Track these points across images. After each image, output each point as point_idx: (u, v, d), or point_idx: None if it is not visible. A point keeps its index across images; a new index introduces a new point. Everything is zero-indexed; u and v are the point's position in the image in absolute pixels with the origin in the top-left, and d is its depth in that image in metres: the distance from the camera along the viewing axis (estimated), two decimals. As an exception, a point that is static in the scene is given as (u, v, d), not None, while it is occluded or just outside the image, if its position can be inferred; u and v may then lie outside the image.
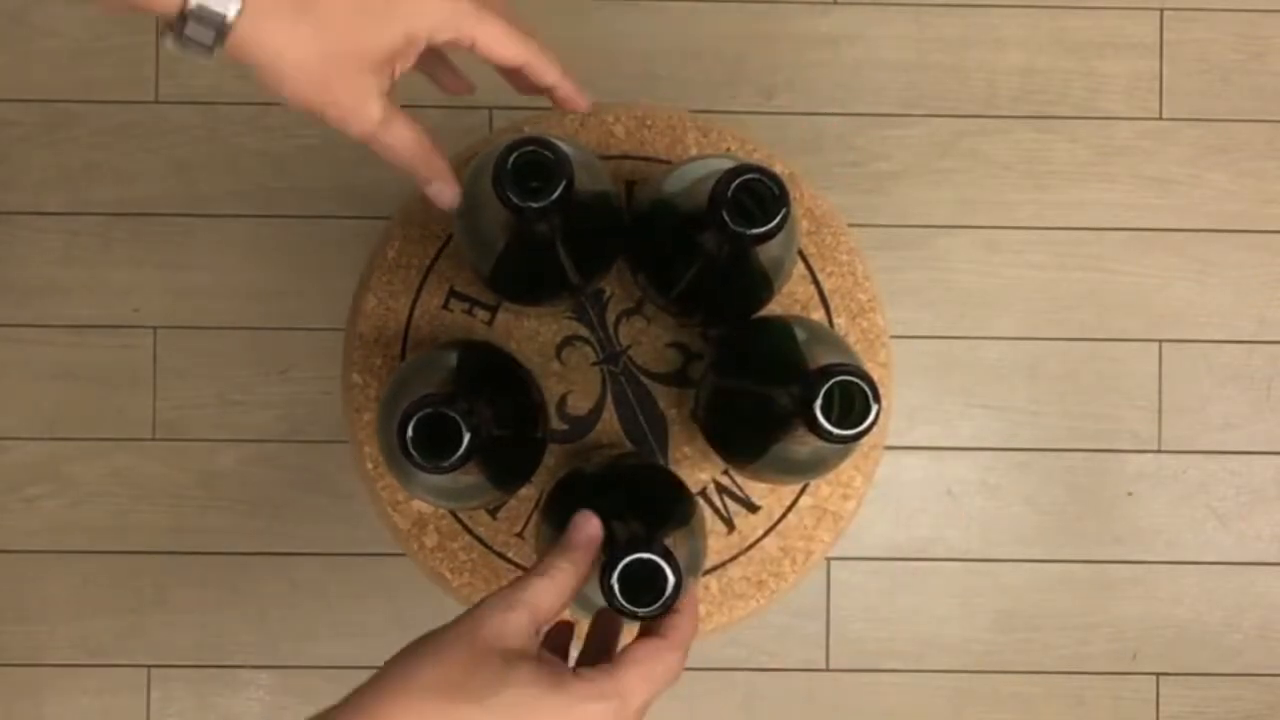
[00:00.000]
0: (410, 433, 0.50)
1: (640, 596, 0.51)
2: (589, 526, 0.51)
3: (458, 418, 0.50)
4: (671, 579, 0.51)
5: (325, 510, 1.23)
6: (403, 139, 0.52)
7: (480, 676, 0.44)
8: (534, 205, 0.50)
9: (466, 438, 0.50)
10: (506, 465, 0.65)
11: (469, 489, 0.64)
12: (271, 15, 0.46)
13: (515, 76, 0.53)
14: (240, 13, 0.45)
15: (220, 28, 0.46)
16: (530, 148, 0.50)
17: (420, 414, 0.50)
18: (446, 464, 0.50)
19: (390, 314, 0.77)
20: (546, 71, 0.52)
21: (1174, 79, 1.27)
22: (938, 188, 1.26)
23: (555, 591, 0.48)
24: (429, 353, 0.73)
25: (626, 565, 0.51)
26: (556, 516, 0.66)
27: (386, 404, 0.64)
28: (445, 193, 0.55)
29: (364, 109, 0.49)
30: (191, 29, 0.46)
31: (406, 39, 0.48)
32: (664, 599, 0.51)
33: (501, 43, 0.51)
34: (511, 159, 0.50)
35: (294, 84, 0.47)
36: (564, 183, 0.50)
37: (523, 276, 0.66)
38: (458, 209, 0.57)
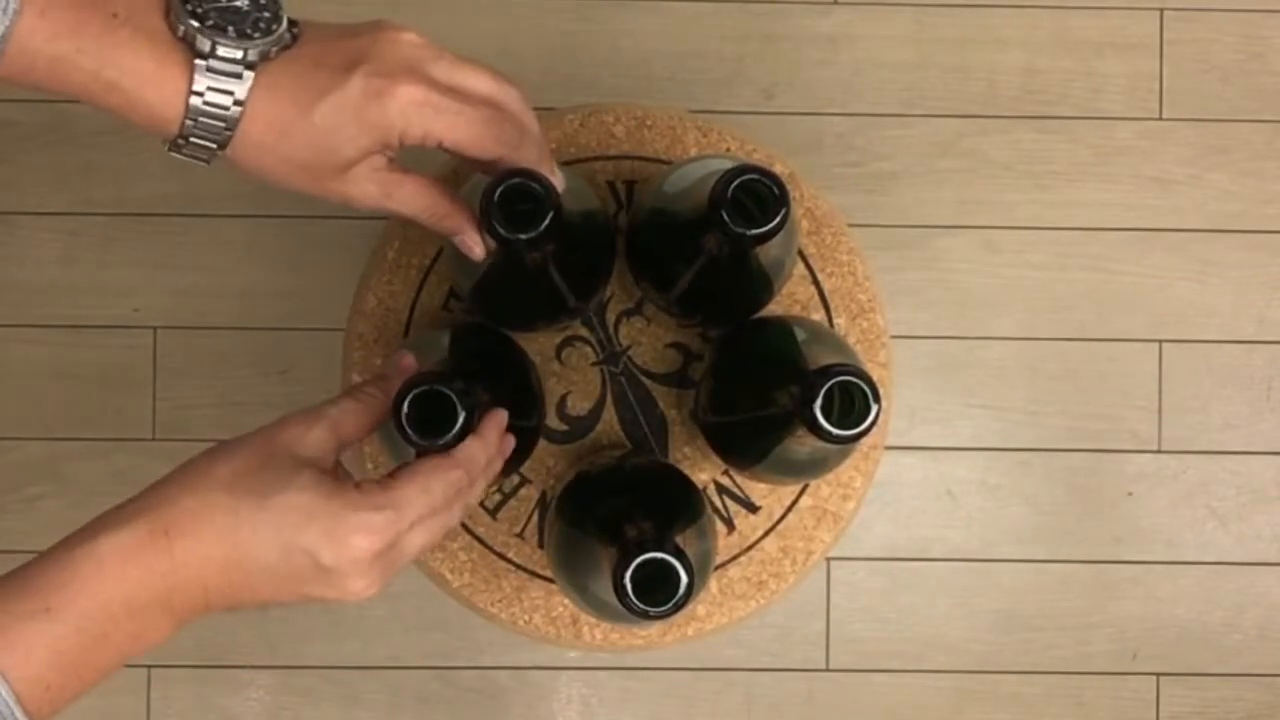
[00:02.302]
0: (406, 409, 0.50)
1: (653, 596, 0.51)
2: (405, 359, 0.54)
3: (454, 395, 0.50)
4: (684, 578, 0.51)
5: (325, 510, 1.22)
6: (409, 204, 0.54)
7: (267, 476, 0.47)
8: (523, 237, 0.50)
9: (462, 416, 0.50)
10: None
11: None
12: (256, 147, 0.50)
13: (488, 165, 0.54)
14: (228, 147, 0.50)
15: (211, 156, 0.51)
16: (517, 180, 0.50)
17: (417, 390, 0.50)
18: (442, 441, 0.50)
19: (390, 314, 0.77)
20: (522, 160, 0.53)
21: (1174, 79, 1.27)
22: (938, 188, 1.26)
23: (361, 413, 0.51)
24: (427, 332, 0.73)
25: (639, 565, 0.51)
26: (569, 516, 0.67)
27: None
28: (472, 246, 0.56)
29: (358, 193, 0.53)
30: (187, 152, 0.51)
31: (381, 143, 0.51)
32: (677, 598, 0.51)
33: (468, 146, 0.52)
34: (498, 191, 0.50)
35: (288, 185, 0.52)
36: (552, 213, 0.50)
37: (517, 304, 0.66)
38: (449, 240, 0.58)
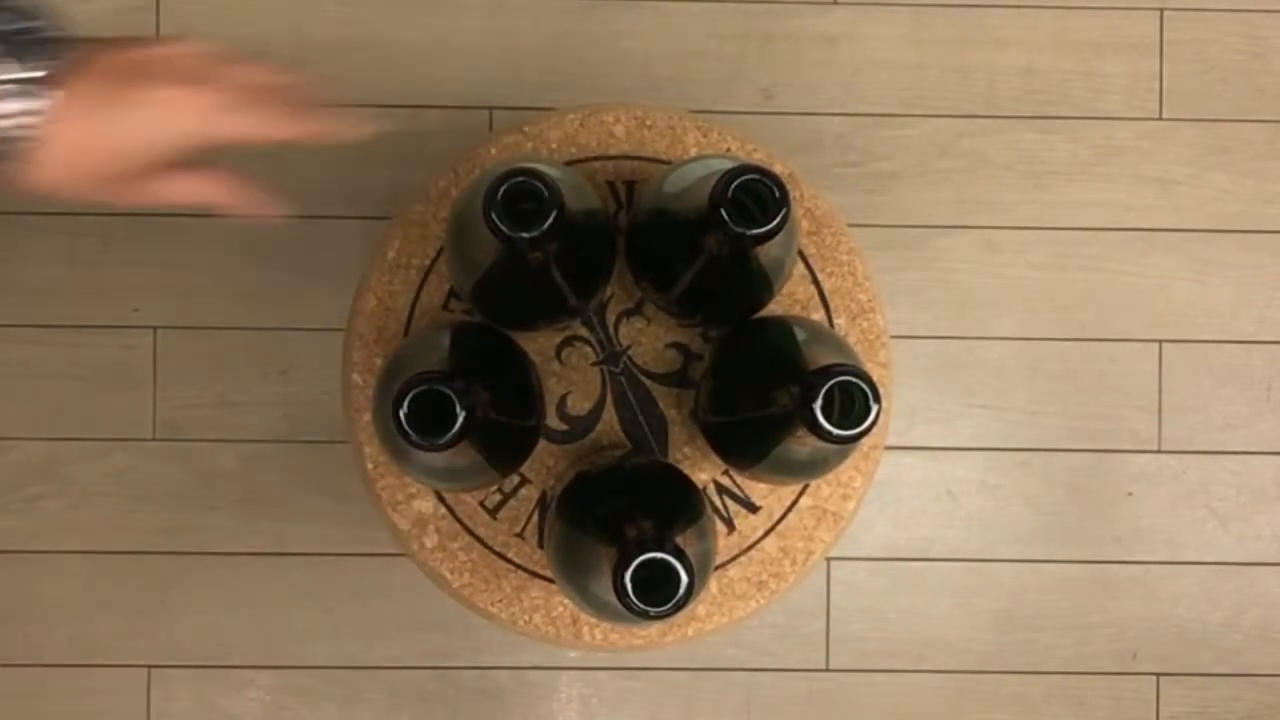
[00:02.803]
0: (406, 409, 0.50)
1: (653, 596, 0.51)
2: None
3: (453, 395, 0.50)
4: (684, 578, 0.51)
5: (325, 510, 1.23)
6: (209, 195, 0.56)
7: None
8: (526, 235, 0.50)
9: (461, 415, 0.50)
10: (501, 445, 0.65)
11: (462, 470, 0.63)
12: (53, 167, 0.50)
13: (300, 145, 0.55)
14: (25, 170, 0.49)
15: (6, 182, 0.50)
16: (520, 178, 0.50)
17: (417, 390, 0.50)
18: (441, 441, 0.50)
19: (390, 314, 0.77)
20: (319, 119, 0.53)
21: (1174, 79, 1.27)
22: (938, 188, 1.26)
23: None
24: (427, 332, 0.73)
25: (639, 565, 0.51)
26: (569, 516, 0.67)
27: (384, 380, 0.64)
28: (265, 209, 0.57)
29: (161, 193, 0.54)
30: None
31: (177, 151, 0.52)
32: (677, 598, 0.51)
33: (268, 134, 0.53)
34: (501, 190, 0.50)
35: (90, 199, 0.53)
36: (555, 212, 0.50)
37: (518, 303, 0.66)
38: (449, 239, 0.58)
